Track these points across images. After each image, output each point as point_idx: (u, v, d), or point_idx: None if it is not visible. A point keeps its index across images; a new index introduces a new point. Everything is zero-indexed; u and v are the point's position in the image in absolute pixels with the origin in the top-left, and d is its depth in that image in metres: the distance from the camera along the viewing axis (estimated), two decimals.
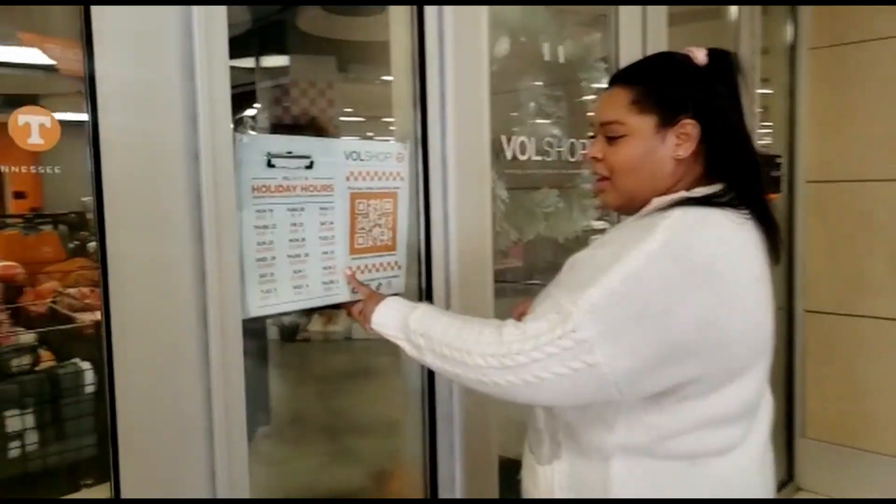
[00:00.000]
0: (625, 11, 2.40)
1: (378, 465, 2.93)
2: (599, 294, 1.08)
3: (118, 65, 1.24)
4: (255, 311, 1.51)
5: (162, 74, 1.30)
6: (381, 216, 1.77)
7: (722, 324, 1.10)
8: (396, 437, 2.25)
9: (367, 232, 1.74)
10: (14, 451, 2.12)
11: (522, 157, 2.18)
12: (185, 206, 1.34)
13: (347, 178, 1.68)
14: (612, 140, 1.22)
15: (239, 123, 1.36)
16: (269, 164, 1.51)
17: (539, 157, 2.25)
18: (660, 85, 1.20)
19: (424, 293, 1.87)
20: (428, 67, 1.81)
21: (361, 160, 1.70)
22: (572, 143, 2.39)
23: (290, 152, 1.55)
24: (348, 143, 1.68)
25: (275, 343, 4.42)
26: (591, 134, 1.28)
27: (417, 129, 1.84)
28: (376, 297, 1.43)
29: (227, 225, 1.41)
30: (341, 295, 1.69)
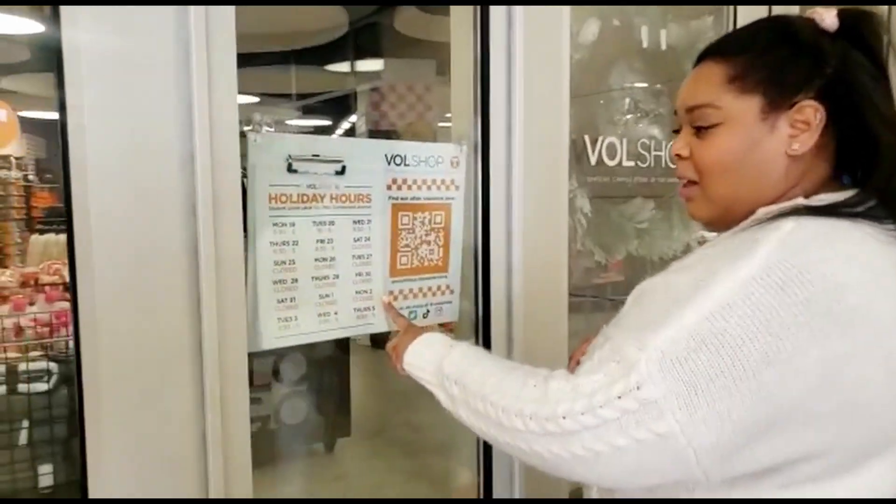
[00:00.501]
0: None
1: (451, 488, 2.65)
2: (675, 336, 0.76)
3: (91, 31, 1.04)
4: (270, 342, 1.28)
5: (146, 47, 1.08)
6: (431, 232, 1.50)
7: (853, 378, 0.75)
8: (464, 460, 1.98)
9: (412, 250, 1.47)
10: None
11: (611, 163, 1.84)
12: (176, 218, 1.12)
13: (389, 187, 1.41)
14: (701, 131, 0.91)
15: (251, 120, 1.11)
16: (291, 169, 1.27)
17: (632, 163, 1.90)
18: (769, 55, 0.87)
19: (481, 324, 1.58)
20: (492, 53, 1.52)
21: (407, 165, 1.43)
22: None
23: (316, 155, 1.30)
24: (390, 144, 1.42)
25: (363, 348, 4.26)
26: (676, 128, 0.96)
27: (476, 128, 1.55)
28: (413, 331, 1.14)
29: (231, 241, 1.18)
30: (378, 324, 1.43)
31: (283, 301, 1.29)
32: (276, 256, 1.28)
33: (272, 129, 1.25)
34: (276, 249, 1.27)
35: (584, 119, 1.79)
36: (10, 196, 6.72)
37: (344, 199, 1.35)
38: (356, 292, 1.39)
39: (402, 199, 1.44)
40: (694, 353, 0.74)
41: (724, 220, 0.91)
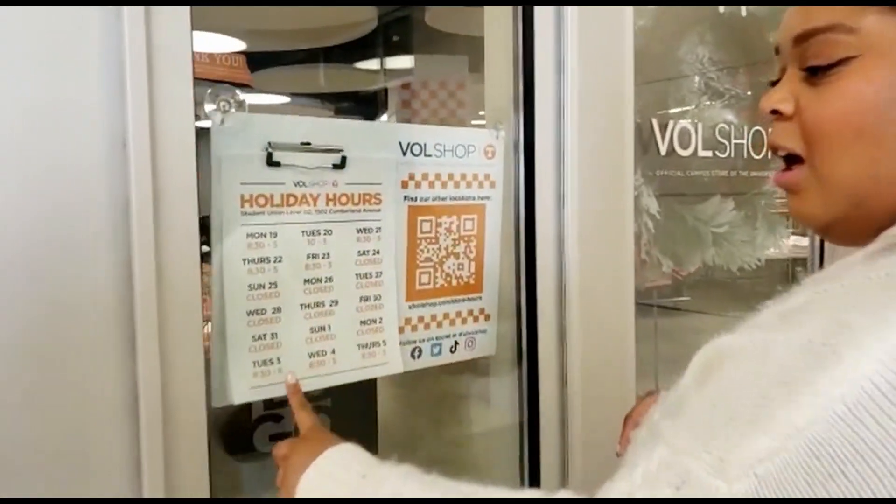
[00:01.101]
0: None
1: None
2: (781, 448, 0.42)
3: None
4: (241, 394, 0.95)
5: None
6: (460, 241, 1.15)
7: None
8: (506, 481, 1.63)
9: (435, 265, 1.13)
10: None
11: (684, 153, 1.47)
12: (104, 227, 0.79)
13: (404, 185, 1.08)
14: (819, 74, 0.54)
15: (214, 97, 0.78)
16: (271, 162, 0.94)
17: (708, 153, 1.53)
18: None
19: (525, 359, 1.23)
20: (537, 16, 1.17)
21: (428, 156, 1.09)
22: (758, 133, 1.64)
23: (306, 143, 0.97)
24: (406, 129, 1.08)
25: None
26: (774, 78, 0.60)
27: (518, 107, 1.20)
28: (314, 441, 0.74)
29: (181, 259, 0.85)
30: (392, 364, 1.09)
31: (260, 338, 0.96)
32: (252, 278, 0.94)
33: (244, 109, 0.92)
34: (251, 269, 0.94)
35: (649, 100, 1.42)
36: None
37: (344, 200, 1.01)
38: (361, 323, 1.05)
39: (421, 199, 1.10)
40: (817, 480, 0.39)
41: (850, 225, 0.54)
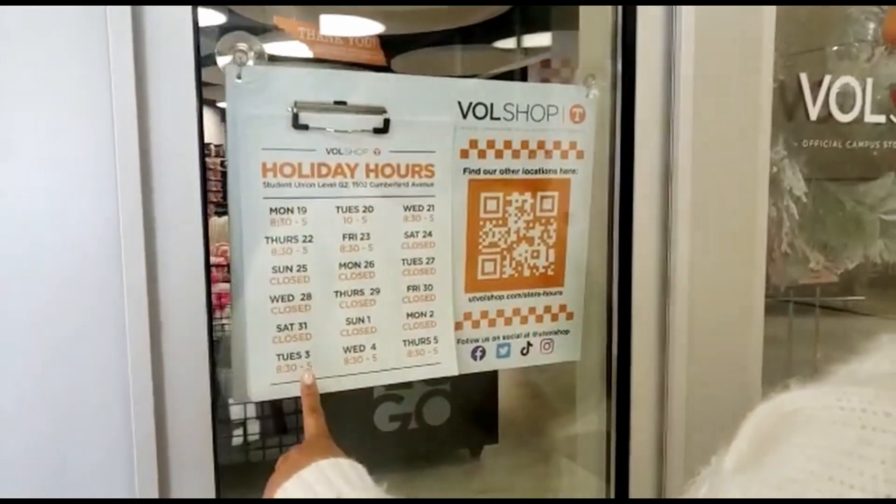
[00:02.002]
0: None
1: None
2: None
3: None
4: (261, 390, 0.82)
5: None
6: (535, 224, 0.95)
7: None
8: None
9: (502, 252, 0.94)
10: None
11: (845, 118, 1.15)
12: (87, 192, 0.69)
13: (464, 154, 0.89)
14: None
15: (229, 46, 0.64)
16: (298, 124, 0.80)
17: (880, 118, 1.19)
18: None
19: (615, 367, 1.01)
20: None
21: (495, 118, 0.90)
22: None
23: (341, 102, 0.81)
24: (466, 85, 0.89)
25: None
26: None
27: (617, 55, 0.97)
28: (309, 449, 0.68)
29: (181, 236, 0.73)
30: (446, 365, 0.92)
31: (285, 328, 0.82)
32: (276, 260, 0.81)
33: (264, 60, 0.78)
34: (275, 248, 0.81)
35: (798, 46, 1.12)
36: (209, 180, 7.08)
37: (389, 171, 0.85)
38: (408, 316, 0.89)
39: (486, 172, 0.91)
40: None
41: None
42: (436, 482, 3.19)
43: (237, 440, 2.65)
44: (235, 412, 2.61)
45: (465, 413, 3.34)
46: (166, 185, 0.73)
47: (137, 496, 0.71)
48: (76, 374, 0.70)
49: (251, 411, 2.62)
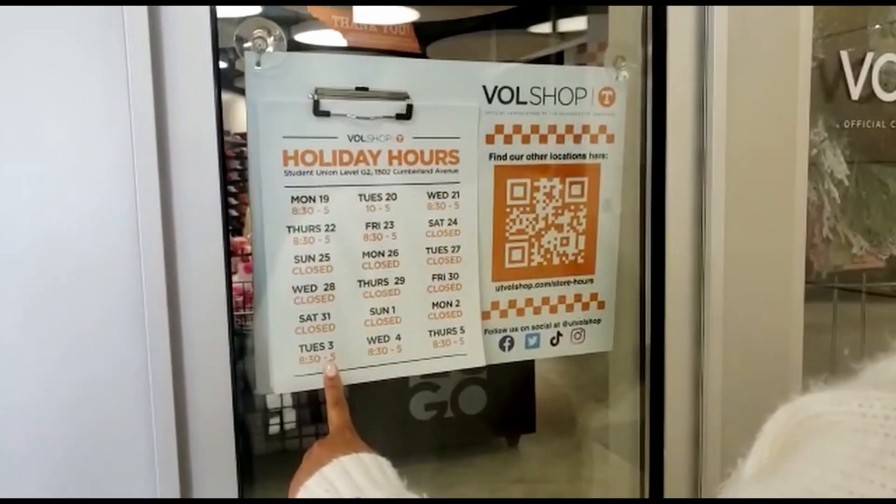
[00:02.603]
0: None
1: None
2: None
3: None
4: (284, 382, 0.81)
5: None
6: (564, 210, 0.91)
7: None
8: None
9: (530, 239, 0.91)
10: None
11: (889, 97, 1.09)
12: (103, 181, 0.68)
13: (490, 139, 0.86)
14: None
15: (248, 33, 0.62)
16: (319, 111, 0.78)
17: None
18: None
19: (648, 357, 0.97)
20: None
21: (521, 103, 0.87)
22: None
23: (363, 88, 0.79)
24: (491, 68, 0.86)
25: None
26: None
27: (647, 37, 0.92)
28: (333, 443, 0.67)
29: (199, 223, 0.71)
30: (472, 357, 0.89)
31: (308, 318, 0.80)
32: (298, 249, 0.79)
33: (284, 47, 0.76)
34: (297, 238, 0.79)
35: (839, 23, 1.06)
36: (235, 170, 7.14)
37: (412, 158, 0.82)
38: (433, 305, 0.86)
39: (512, 157, 0.88)
40: None
41: None
42: (472, 471, 3.17)
43: (274, 429, 2.67)
44: (272, 401, 2.63)
45: (502, 402, 3.31)
46: (184, 181, 0.71)
47: (158, 493, 0.70)
48: (95, 369, 0.69)
49: (287, 400, 2.63)
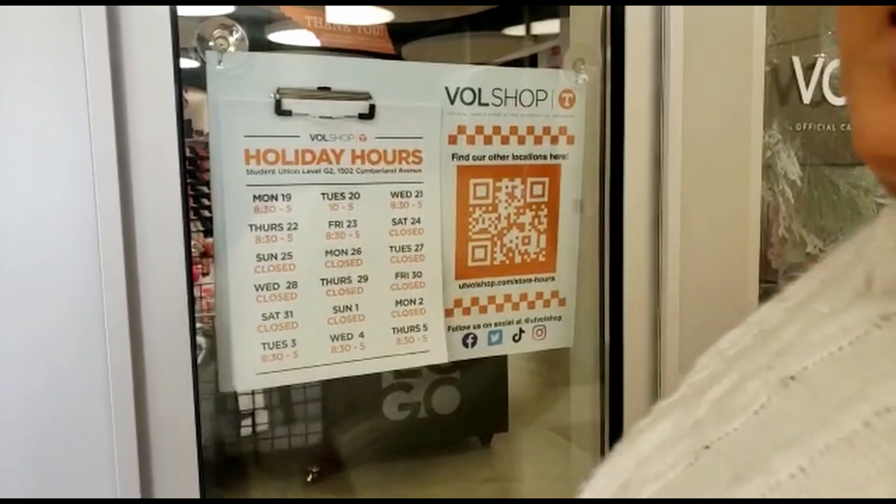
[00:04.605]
0: None
1: None
2: None
3: None
4: (246, 380, 0.79)
5: None
6: (525, 210, 0.91)
7: None
8: None
9: (493, 238, 0.90)
10: None
11: (838, 100, 1.10)
12: (65, 180, 0.66)
13: (453, 140, 0.85)
14: None
15: (209, 33, 0.61)
16: (280, 111, 0.76)
17: None
18: None
19: (608, 355, 0.96)
20: None
21: (483, 104, 0.86)
22: None
23: (325, 87, 0.78)
24: (454, 70, 0.85)
25: None
26: None
27: (606, 40, 0.92)
28: None
29: (159, 220, 0.69)
30: (435, 353, 0.88)
31: (270, 317, 0.79)
32: (261, 248, 0.78)
33: (245, 47, 0.74)
34: (259, 236, 0.77)
35: (791, 29, 1.07)
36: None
37: (375, 157, 0.81)
38: (396, 303, 0.85)
39: (475, 158, 0.87)
40: None
41: None
42: (444, 471, 3.15)
43: (246, 430, 2.62)
44: (243, 402, 2.59)
45: (475, 401, 3.30)
46: (145, 182, 0.69)
47: (118, 494, 0.68)
48: (55, 372, 0.67)
49: (259, 401, 2.59)
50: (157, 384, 0.71)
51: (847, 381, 0.19)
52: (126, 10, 0.67)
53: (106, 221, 0.67)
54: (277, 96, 0.76)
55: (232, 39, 0.73)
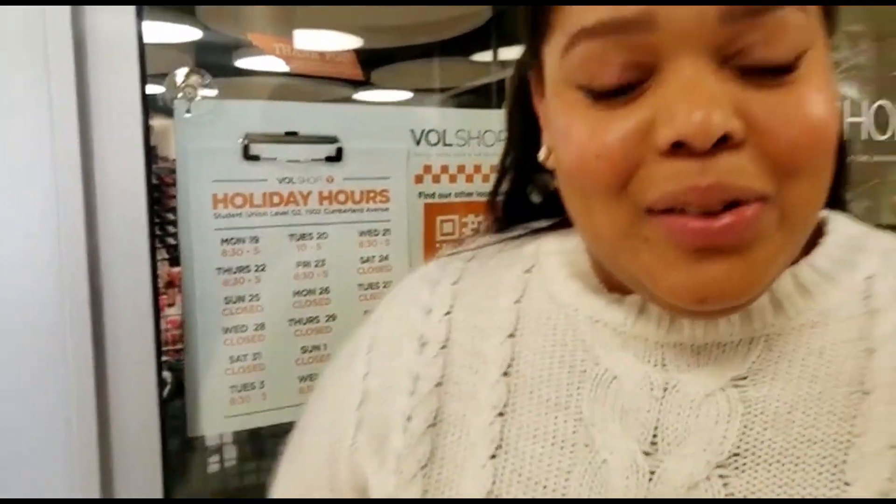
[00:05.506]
0: None
1: None
2: None
3: None
4: (213, 423, 0.78)
5: None
6: None
7: None
8: None
9: None
10: None
11: None
12: (35, 227, 0.64)
13: (419, 179, 0.86)
14: (774, 72, 0.29)
15: (177, 82, 0.60)
16: (248, 155, 0.76)
17: None
18: None
19: None
20: None
21: (448, 144, 0.87)
22: (881, 110, 1.28)
23: (292, 132, 0.78)
24: (420, 114, 0.86)
25: None
26: (624, 82, 0.30)
27: None
28: None
29: (124, 268, 0.69)
30: None
31: (238, 360, 0.78)
32: (228, 291, 0.77)
33: (214, 92, 0.74)
34: (226, 279, 0.77)
35: None
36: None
37: (343, 198, 0.82)
38: None
39: (441, 195, 0.88)
40: None
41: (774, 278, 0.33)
42: None
43: (214, 467, 2.56)
44: (210, 438, 2.53)
45: None
46: (111, 216, 0.68)
47: None
48: (17, 409, 0.65)
49: (228, 436, 2.53)
50: (121, 420, 0.70)
51: None
52: (93, 37, 0.66)
53: (70, 250, 0.66)
54: (245, 142, 0.76)
55: (200, 90, 0.73)
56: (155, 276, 0.72)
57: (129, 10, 0.67)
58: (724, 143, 0.28)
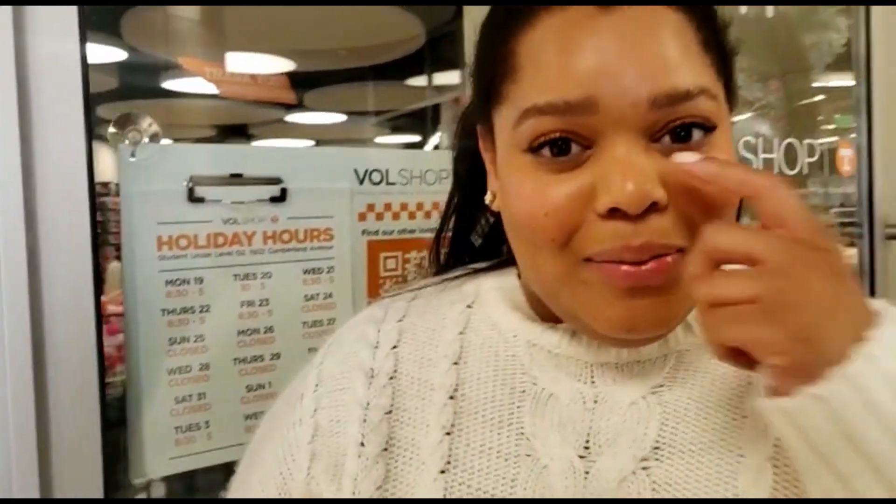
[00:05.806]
0: None
1: None
2: None
3: None
4: (159, 466, 0.77)
5: None
6: None
7: None
8: None
9: None
10: None
11: None
12: None
13: (362, 217, 0.88)
14: (687, 144, 0.36)
15: (122, 126, 0.60)
16: (193, 198, 0.76)
17: None
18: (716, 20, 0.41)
19: None
20: None
21: (391, 183, 0.90)
22: (791, 147, 1.39)
23: (236, 174, 0.79)
24: (362, 154, 0.88)
25: None
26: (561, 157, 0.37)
27: None
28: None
29: (72, 308, 0.68)
30: None
31: (183, 400, 0.78)
32: (172, 332, 0.77)
33: (158, 137, 0.74)
34: (171, 321, 0.77)
35: None
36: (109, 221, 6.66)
37: (287, 237, 0.83)
38: None
39: (384, 232, 0.90)
40: None
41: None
42: None
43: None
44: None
45: None
46: (53, 233, 0.68)
47: None
48: None
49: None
50: (62, 467, 0.69)
51: None
52: (35, 56, 0.66)
53: (11, 285, 0.65)
54: (190, 184, 0.76)
55: (147, 131, 0.73)
56: (99, 314, 0.71)
57: (73, 32, 0.67)
58: (652, 208, 0.34)
